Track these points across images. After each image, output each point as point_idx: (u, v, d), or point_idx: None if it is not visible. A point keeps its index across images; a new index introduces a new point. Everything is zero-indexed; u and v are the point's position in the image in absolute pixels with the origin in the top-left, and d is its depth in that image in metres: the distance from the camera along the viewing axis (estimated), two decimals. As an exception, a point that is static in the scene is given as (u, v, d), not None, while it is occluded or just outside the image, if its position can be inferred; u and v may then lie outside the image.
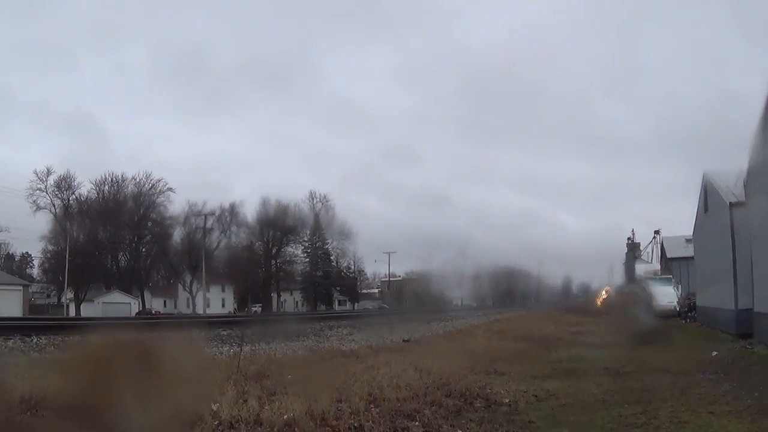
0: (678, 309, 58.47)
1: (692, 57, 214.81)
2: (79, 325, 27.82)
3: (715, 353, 24.97)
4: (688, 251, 58.94)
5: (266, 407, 12.04)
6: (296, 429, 11.00)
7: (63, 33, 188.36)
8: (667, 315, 54.84)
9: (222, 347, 22.34)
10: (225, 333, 27.27)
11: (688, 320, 51.27)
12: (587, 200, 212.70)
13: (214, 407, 11.48)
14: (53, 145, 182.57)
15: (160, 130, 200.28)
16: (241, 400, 12.22)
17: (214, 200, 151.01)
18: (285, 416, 11.57)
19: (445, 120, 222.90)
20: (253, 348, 22.18)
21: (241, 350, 19.56)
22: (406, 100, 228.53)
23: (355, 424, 11.68)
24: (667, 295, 60.93)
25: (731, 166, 35.26)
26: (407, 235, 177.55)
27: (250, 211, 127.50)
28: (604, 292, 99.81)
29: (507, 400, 15.13)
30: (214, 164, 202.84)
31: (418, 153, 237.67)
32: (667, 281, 67.29)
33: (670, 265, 78.70)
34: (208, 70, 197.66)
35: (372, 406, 13.19)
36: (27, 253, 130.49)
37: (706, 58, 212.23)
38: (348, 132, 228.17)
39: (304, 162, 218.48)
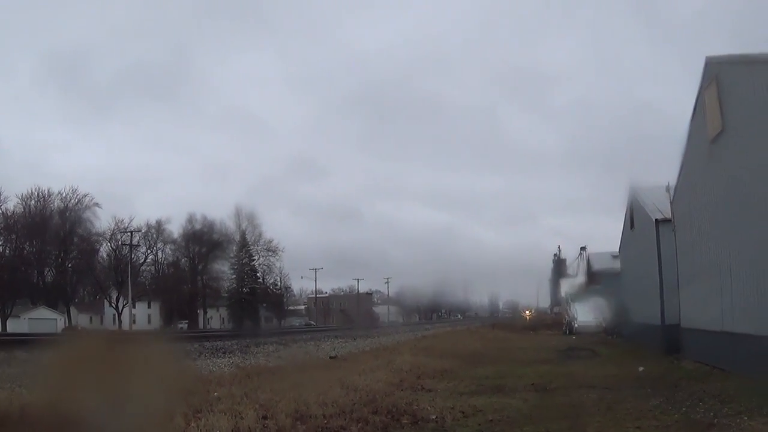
0: (605, 325, 58.91)
1: (600, 66, 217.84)
2: (4, 341, 27.27)
3: (642, 369, 25.07)
4: (615, 267, 59.43)
5: (192, 425, 11.80)
6: (222, 447, 10.79)
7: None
8: (594, 331, 55.35)
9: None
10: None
11: (614, 336, 51.57)
12: (503, 215, 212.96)
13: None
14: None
15: (53, 141, 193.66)
16: (166, 418, 11.93)
17: (112, 212, 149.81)
18: (211, 434, 11.36)
19: (345, 130, 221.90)
20: (179, 365, 21.80)
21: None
22: (302, 109, 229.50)
23: (282, 441, 11.48)
24: (593, 312, 61.48)
25: (656, 183, 35.69)
26: (331, 251, 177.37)
27: (176, 228, 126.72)
28: (527, 313, 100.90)
29: (434, 417, 14.93)
30: (110, 175, 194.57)
31: (322, 165, 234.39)
32: (594, 297, 67.86)
33: (596, 282, 79.43)
34: (93, 77, 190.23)
35: (299, 422, 12.99)
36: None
37: (614, 67, 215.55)
38: (247, 142, 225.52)
39: (205, 173, 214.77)
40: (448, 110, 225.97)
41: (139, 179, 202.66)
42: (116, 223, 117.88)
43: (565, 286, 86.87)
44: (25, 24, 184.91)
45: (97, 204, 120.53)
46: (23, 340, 26.44)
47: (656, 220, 34.81)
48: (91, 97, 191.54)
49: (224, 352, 29.60)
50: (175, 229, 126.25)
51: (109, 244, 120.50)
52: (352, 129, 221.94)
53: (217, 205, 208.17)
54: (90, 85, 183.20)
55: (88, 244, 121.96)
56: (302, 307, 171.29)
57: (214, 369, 23.02)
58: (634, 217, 42.78)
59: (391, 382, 20.82)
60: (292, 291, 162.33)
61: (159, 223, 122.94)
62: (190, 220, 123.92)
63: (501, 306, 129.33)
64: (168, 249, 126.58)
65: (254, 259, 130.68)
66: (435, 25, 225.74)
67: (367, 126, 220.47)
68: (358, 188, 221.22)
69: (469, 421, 14.66)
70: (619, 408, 15.80)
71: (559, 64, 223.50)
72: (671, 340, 30.43)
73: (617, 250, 54.42)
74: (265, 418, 12.97)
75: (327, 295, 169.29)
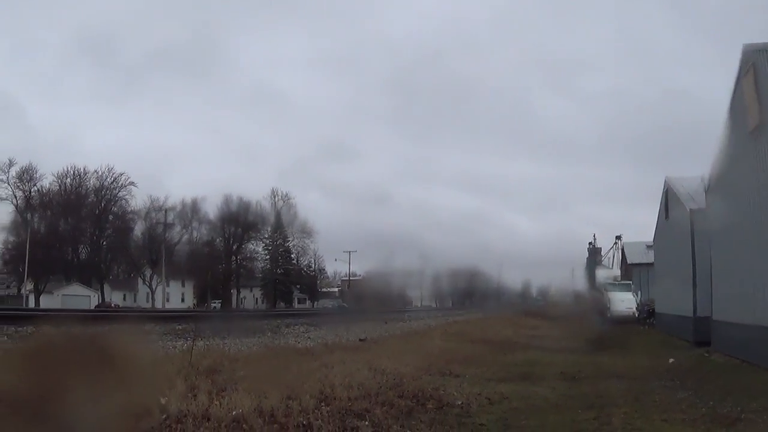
0: (637, 315, 58.66)
1: (634, 52, 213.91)
2: (34, 315, 27.41)
3: (672, 360, 24.93)
4: (649, 257, 59.14)
5: (215, 402, 11.80)
6: (244, 425, 10.79)
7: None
8: (626, 321, 55.09)
9: (176, 341, 21.97)
10: (180, 327, 26.91)
11: (646, 326, 51.29)
12: (536, 201, 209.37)
13: (163, 401, 11.22)
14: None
15: (84, 119, 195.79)
16: (190, 395, 11.97)
17: (146, 190, 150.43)
18: (234, 412, 11.35)
19: (378, 113, 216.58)
20: (207, 343, 21.89)
21: (193, 344, 19.28)
22: (333, 90, 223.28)
23: (304, 422, 11.45)
24: (626, 301, 61.23)
25: (691, 172, 35.41)
26: (364, 234, 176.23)
27: (211, 207, 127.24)
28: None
29: (459, 402, 14.92)
30: (141, 153, 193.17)
31: (355, 148, 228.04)
32: (627, 287, 67.66)
33: (630, 271, 79.03)
34: (124, 55, 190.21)
35: (323, 404, 12.96)
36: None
37: (649, 53, 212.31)
38: (279, 124, 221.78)
39: (235, 154, 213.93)
40: (480, 94, 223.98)
41: (171, 158, 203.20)
42: (151, 202, 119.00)
43: (600, 275, 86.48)
44: (55, 0, 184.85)
45: (132, 183, 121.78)
46: (54, 316, 26.55)
47: (691, 210, 34.49)
48: (122, 74, 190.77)
49: (254, 332, 29.64)
50: (209, 208, 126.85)
51: (143, 222, 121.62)
52: (384, 111, 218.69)
53: (249, 185, 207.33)
54: (121, 63, 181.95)
55: (123, 222, 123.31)
56: (336, 289, 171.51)
57: (242, 348, 23.09)
58: (669, 207, 42.38)
59: (419, 367, 20.76)
60: (326, 273, 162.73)
61: (194, 202, 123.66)
62: (226, 201, 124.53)
63: (534, 293, 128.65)
64: (203, 228, 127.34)
65: (289, 241, 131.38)
66: (467, 7, 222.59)
67: (399, 108, 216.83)
68: (390, 171, 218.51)
69: (494, 408, 14.64)
70: (646, 399, 15.73)
71: (593, 49, 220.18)
72: (702, 332, 30.17)
73: (652, 240, 54.07)
74: (289, 398, 12.96)
75: (361, 277, 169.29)
